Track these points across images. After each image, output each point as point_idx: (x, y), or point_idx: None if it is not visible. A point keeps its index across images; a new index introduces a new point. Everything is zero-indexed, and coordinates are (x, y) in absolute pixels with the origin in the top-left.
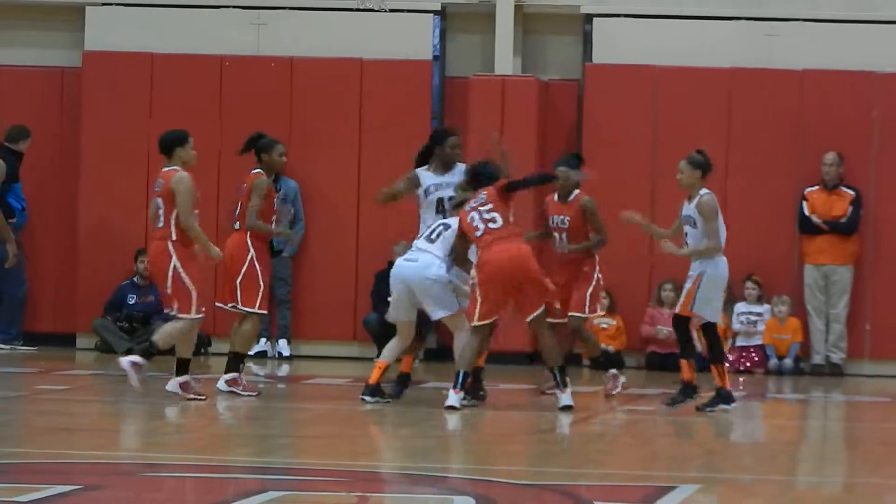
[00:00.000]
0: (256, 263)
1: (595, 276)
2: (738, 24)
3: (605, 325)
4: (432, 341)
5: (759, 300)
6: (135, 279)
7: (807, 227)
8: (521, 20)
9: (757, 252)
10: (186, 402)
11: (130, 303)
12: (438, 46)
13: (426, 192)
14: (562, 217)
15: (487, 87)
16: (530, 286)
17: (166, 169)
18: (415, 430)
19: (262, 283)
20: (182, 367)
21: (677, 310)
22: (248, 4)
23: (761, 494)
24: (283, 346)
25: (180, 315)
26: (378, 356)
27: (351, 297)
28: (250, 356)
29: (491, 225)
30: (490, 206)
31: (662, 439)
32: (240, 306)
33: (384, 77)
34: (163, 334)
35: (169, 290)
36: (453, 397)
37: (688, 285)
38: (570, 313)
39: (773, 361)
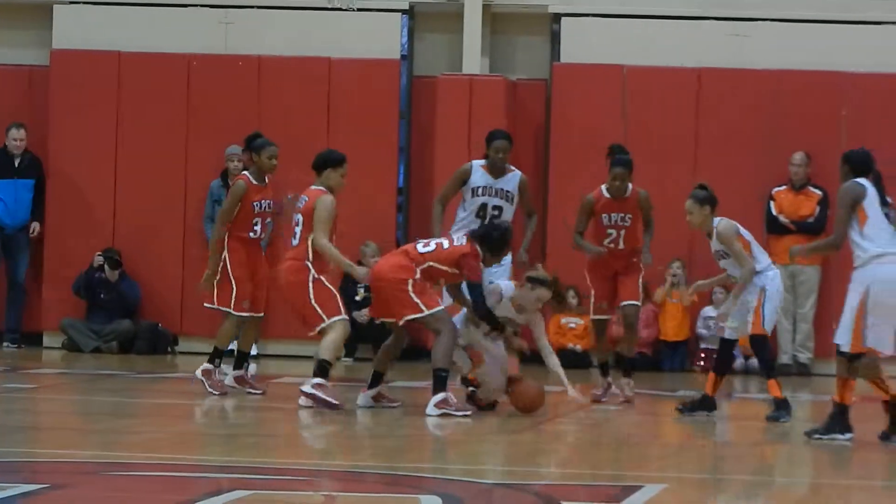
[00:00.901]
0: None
1: (642, 265)
2: (706, 24)
3: (572, 325)
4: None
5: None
6: (104, 274)
7: (774, 227)
8: (489, 19)
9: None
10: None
11: (102, 297)
12: (406, 46)
13: (472, 192)
14: (621, 215)
15: (455, 86)
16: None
17: (313, 187)
18: (383, 429)
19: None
20: (322, 372)
21: (750, 330)
22: (216, 3)
23: (728, 494)
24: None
25: (331, 319)
26: (346, 355)
27: None
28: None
29: (420, 247)
30: (445, 242)
31: (629, 439)
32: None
33: (352, 76)
34: (326, 349)
35: (313, 301)
36: (362, 397)
37: (752, 304)
38: (624, 302)
39: (739, 361)
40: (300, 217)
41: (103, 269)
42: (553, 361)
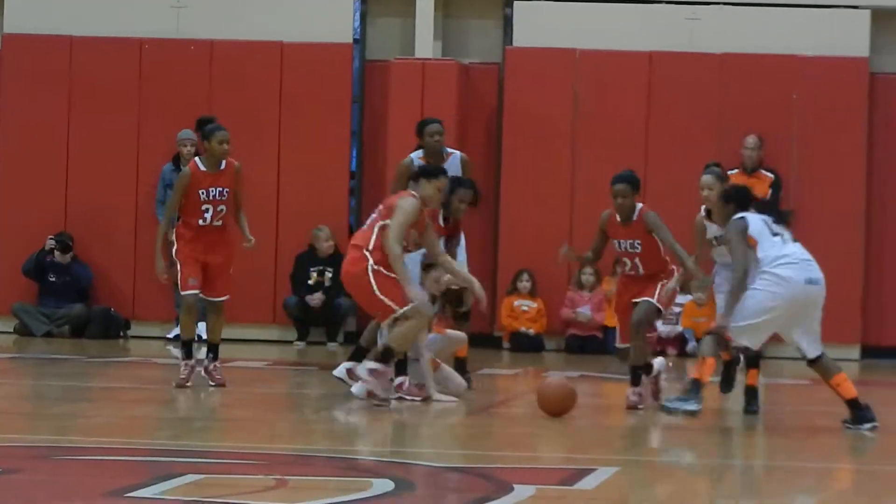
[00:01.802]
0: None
1: (674, 278)
2: (658, 8)
3: (525, 308)
4: (352, 324)
5: (681, 290)
6: (56, 258)
7: None
8: (441, 3)
9: (678, 237)
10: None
11: (51, 280)
12: (359, 30)
13: None
14: (630, 241)
15: (408, 70)
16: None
17: (405, 192)
18: (334, 413)
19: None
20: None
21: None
22: None
23: (679, 477)
24: (202, 329)
25: (404, 308)
26: (298, 338)
27: (271, 281)
28: (170, 339)
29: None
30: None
31: (582, 422)
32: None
33: (304, 60)
34: (397, 337)
35: (378, 293)
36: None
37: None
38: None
39: (691, 345)
40: (380, 207)
41: (54, 252)
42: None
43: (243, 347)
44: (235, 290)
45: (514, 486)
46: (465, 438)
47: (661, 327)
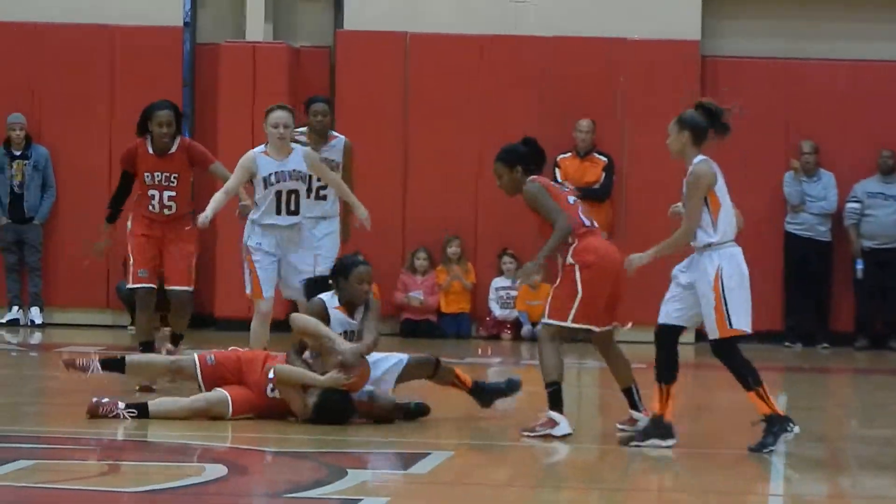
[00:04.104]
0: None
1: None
2: None
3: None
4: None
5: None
6: None
7: None
8: None
9: (511, 224)
10: None
11: None
12: (189, 13)
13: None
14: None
15: (238, 53)
16: None
17: None
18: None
19: None
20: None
21: (715, 335)
22: None
23: (512, 461)
24: (35, 314)
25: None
26: (132, 323)
27: (103, 265)
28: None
29: None
30: None
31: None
32: None
33: (135, 44)
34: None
35: None
36: None
37: (710, 294)
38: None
39: (526, 328)
40: None
41: None
42: None
43: (77, 332)
44: (69, 275)
45: (349, 470)
46: (298, 425)
47: (498, 311)
